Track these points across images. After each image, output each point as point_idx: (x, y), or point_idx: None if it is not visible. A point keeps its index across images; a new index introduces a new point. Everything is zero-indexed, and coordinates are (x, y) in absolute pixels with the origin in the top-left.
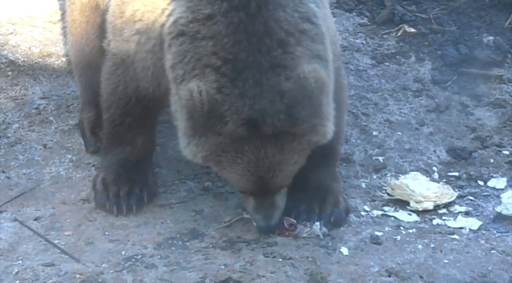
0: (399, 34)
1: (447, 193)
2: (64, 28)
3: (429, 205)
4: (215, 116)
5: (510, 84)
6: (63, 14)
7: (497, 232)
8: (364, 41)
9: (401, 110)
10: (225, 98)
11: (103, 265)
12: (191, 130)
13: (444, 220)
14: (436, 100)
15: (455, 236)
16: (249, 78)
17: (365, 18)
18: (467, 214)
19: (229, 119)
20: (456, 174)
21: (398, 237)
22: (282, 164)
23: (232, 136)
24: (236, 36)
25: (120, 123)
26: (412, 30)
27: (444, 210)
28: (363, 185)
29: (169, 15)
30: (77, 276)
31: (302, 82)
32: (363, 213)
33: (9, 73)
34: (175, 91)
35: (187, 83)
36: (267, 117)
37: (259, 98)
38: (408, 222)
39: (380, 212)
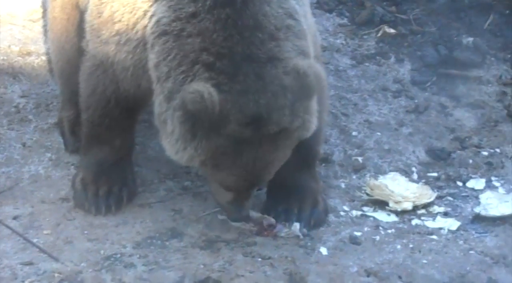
0: (379, 34)
1: (426, 194)
2: (44, 26)
3: (408, 206)
4: (221, 116)
5: (489, 85)
6: (43, 13)
7: (476, 232)
8: (344, 42)
9: (381, 111)
10: (227, 96)
11: (82, 264)
12: (189, 134)
13: (423, 220)
14: (416, 101)
15: (433, 237)
16: (249, 72)
17: (345, 19)
18: (445, 214)
19: (233, 118)
20: (435, 174)
21: (377, 237)
22: (276, 160)
23: (234, 137)
24: (227, 31)
25: (99, 123)
26: (392, 31)
27: (423, 211)
28: (343, 185)
29: (152, 16)
30: (56, 275)
31: (302, 78)
32: (342, 213)
33: None
34: (160, 90)
35: (180, 83)
36: (273, 113)
37: (263, 92)
38: (387, 222)
39: (359, 212)
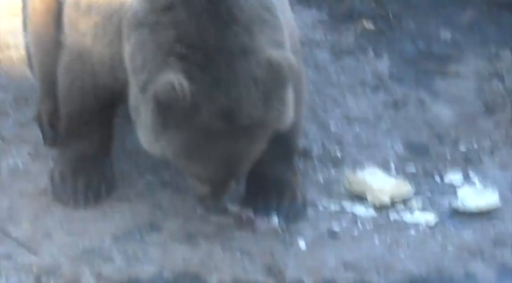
0: (358, 30)
1: (404, 188)
2: (23, 19)
3: (386, 200)
4: (192, 107)
5: (467, 80)
6: (23, 6)
7: (453, 227)
8: (323, 36)
9: (360, 106)
10: (199, 88)
11: (61, 258)
12: (160, 126)
13: (401, 215)
14: (394, 96)
15: (411, 231)
16: (221, 63)
17: (324, 14)
18: (423, 209)
19: (204, 109)
20: (413, 169)
21: (355, 232)
22: (251, 153)
23: (206, 129)
24: (201, 23)
25: (78, 117)
26: (371, 26)
27: (401, 205)
28: (321, 179)
29: (128, 7)
30: (34, 268)
31: (276, 69)
32: (320, 207)
33: None
34: (135, 82)
35: (154, 74)
36: (244, 106)
37: (234, 84)
38: (365, 217)
39: (338, 207)
